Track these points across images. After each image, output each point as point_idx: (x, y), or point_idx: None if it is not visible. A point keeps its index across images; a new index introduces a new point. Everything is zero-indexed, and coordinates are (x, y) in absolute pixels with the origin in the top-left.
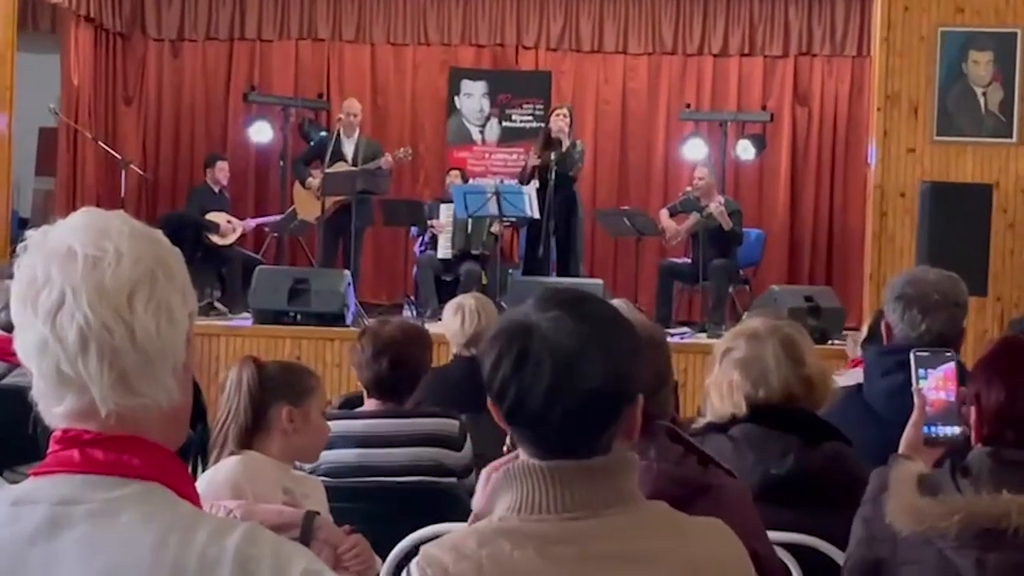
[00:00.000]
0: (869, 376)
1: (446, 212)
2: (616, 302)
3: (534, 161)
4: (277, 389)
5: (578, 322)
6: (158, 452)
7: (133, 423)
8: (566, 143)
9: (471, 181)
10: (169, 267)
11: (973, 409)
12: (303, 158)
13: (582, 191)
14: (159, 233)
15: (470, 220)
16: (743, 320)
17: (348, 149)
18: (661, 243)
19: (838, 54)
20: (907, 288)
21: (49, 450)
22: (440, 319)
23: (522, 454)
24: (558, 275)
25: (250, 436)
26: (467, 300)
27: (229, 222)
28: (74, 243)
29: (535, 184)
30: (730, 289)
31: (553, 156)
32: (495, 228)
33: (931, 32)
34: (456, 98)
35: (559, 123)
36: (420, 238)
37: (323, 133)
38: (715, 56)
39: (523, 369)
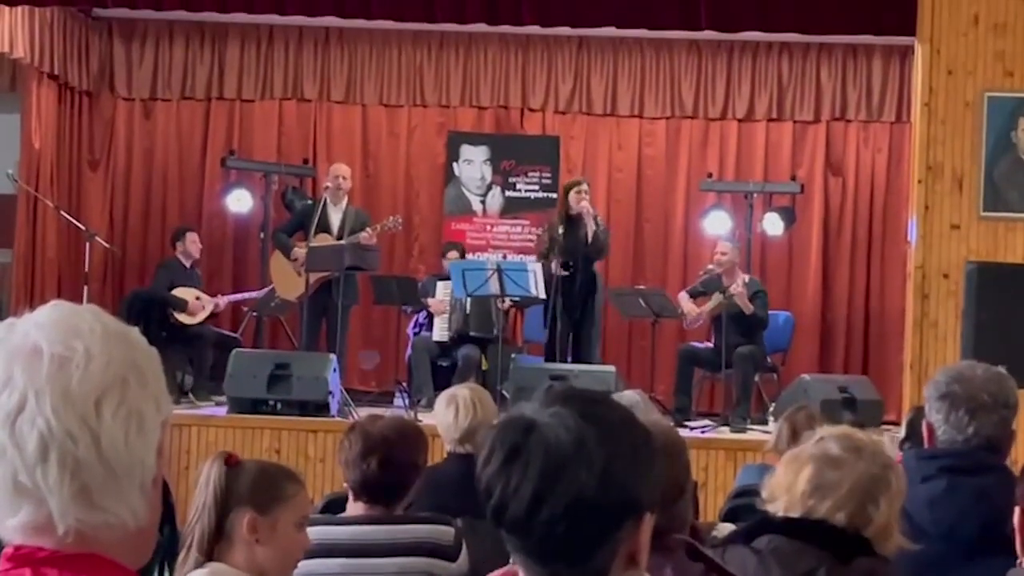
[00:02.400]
0: (908, 482)
1: (443, 290)
2: (629, 394)
3: (545, 243)
4: (243, 493)
5: (582, 421)
6: (118, 573)
7: (93, 541)
8: (591, 226)
9: (470, 256)
10: (142, 371)
11: None
12: (285, 229)
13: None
14: (134, 333)
15: (469, 299)
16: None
17: (335, 219)
18: (680, 326)
19: (875, 120)
20: (953, 386)
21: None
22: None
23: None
24: (573, 360)
25: (213, 544)
26: (461, 391)
27: (198, 299)
28: (41, 341)
29: (557, 265)
30: (756, 378)
31: (588, 243)
32: (503, 305)
33: (977, 97)
34: (455, 164)
35: (583, 203)
36: (414, 318)
37: (308, 202)
38: (740, 121)
39: (511, 466)
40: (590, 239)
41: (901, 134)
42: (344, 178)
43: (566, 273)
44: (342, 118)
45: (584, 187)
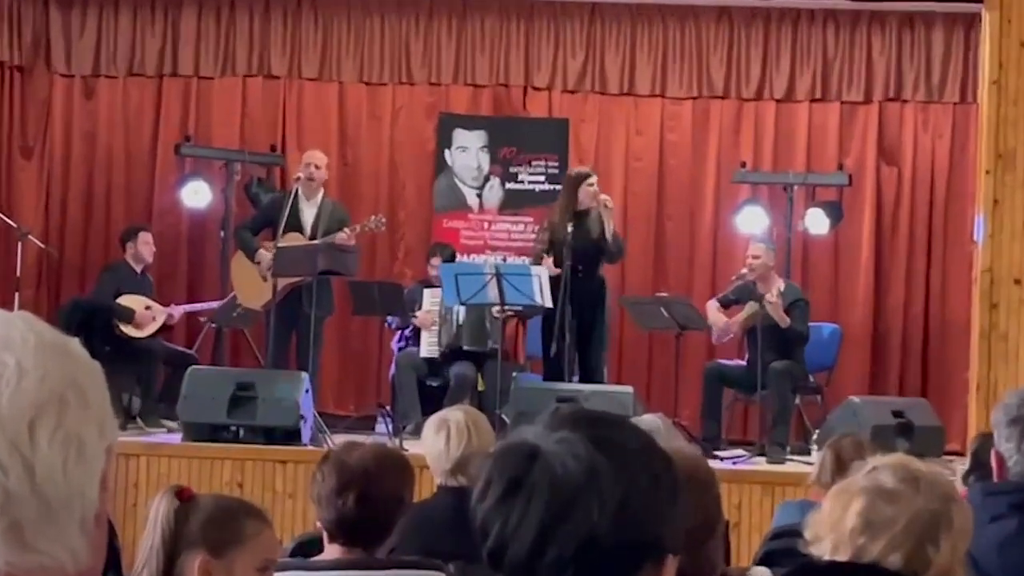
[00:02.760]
0: (974, 520)
1: (432, 298)
2: (649, 418)
3: (542, 242)
4: (195, 532)
5: (594, 449)
6: None
7: None
8: (608, 223)
9: (463, 259)
10: (83, 390)
11: None
12: (249, 226)
13: (606, 271)
14: (74, 344)
15: (462, 308)
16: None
17: (308, 215)
18: (708, 340)
19: (935, 100)
20: None
21: None
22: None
23: None
24: (580, 378)
25: None
26: (453, 415)
27: (148, 308)
28: None
29: (547, 266)
30: (796, 400)
31: (601, 242)
32: (497, 313)
33: None
34: (447, 152)
35: (596, 194)
36: (399, 332)
37: (276, 195)
38: (778, 101)
39: (511, 500)
40: (609, 237)
41: (966, 116)
42: (318, 167)
43: (561, 273)
44: (316, 98)
45: (594, 180)
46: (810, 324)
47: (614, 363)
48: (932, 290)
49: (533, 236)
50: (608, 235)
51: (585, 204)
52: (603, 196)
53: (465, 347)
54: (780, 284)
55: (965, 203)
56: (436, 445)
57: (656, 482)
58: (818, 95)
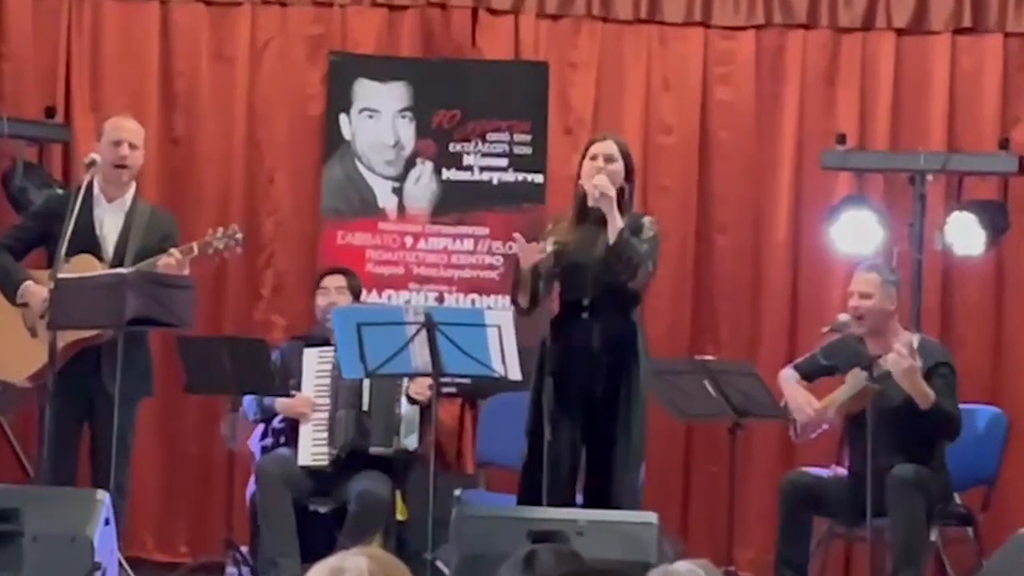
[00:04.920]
0: None
1: (319, 364)
2: (686, 570)
3: (536, 255)
4: None
5: None
6: None
7: None
8: (612, 219)
9: (372, 298)
10: None
11: None
12: (8, 243)
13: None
14: None
15: (369, 383)
16: None
17: (109, 227)
18: (785, 435)
19: None
20: None
21: None
22: None
23: None
24: (586, 500)
25: None
26: (354, 563)
27: None
28: None
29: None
30: (932, 535)
31: (595, 249)
32: (418, 390)
33: None
34: (343, 118)
35: (599, 180)
36: (263, 423)
37: (56, 192)
38: (899, 33)
39: None
40: (611, 239)
41: None
42: (134, 147)
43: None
44: (122, 26)
45: (610, 147)
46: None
47: (641, 474)
48: None
49: (492, 258)
50: (611, 236)
51: (589, 193)
52: (597, 180)
53: (374, 449)
54: (913, 339)
55: None
56: None
57: None
58: (966, 23)
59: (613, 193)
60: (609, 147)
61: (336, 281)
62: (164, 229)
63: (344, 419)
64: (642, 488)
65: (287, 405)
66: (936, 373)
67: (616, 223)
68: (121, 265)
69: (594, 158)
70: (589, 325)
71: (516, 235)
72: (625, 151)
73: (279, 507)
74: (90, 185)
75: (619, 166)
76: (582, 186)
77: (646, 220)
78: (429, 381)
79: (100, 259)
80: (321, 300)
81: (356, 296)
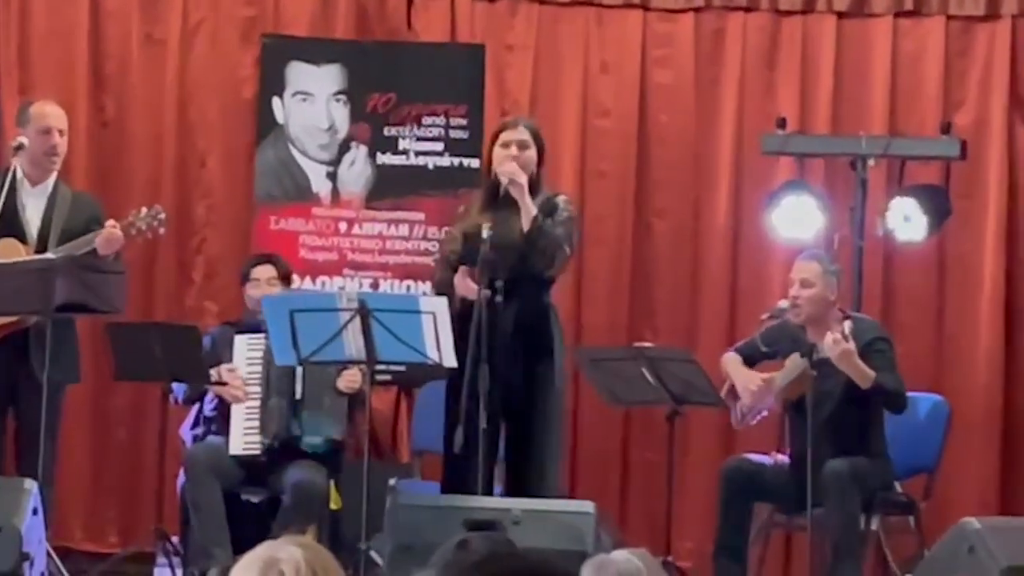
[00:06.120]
0: None
1: (249, 351)
2: (623, 559)
3: (454, 245)
4: None
5: None
6: None
7: None
8: (525, 206)
9: (305, 284)
10: None
11: None
12: None
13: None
14: None
15: (302, 370)
16: None
17: (33, 211)
18: (726, 422)
19: None
20: None
21: None
22: None
23: None
24: (505, 489)
25: None
26: (287, 554)
27: None
28: None
29: (464, 287)
30: (873, 524)
31: (526, 244)
32: (348, 382)
33: None
34: (276, 101)
35: (509, 166)
36: (195, 412)
37: None
38: (840, 16)
39: None
40: (525, 226)
41: None
42: (60, 132)
43: (499, 298)
44: (50, 6)
45: (522, 133)
46: None
47: (565, 462)
48: None
49: (428, 243)
50: (526, 223)
51: (501, 175)
52: (507, 167)
53: (307, 438)
54: (847, 324)
55: None
56: None
57: None
58: (907, 6)
59: (524, 180)
60: (521, 133)
61: (267, 272)
62: (89, 212)
63: (276, 408)
64: (558, 472)
65: (228, 388)
66: (873, 349)
67: (530, 211)
68: (45, 249)
69: (506, 145)
70: (503, 309)
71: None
72: (537, 135)
73: (208, 497)
74: (14, 171)
75: (532, 152)
76: (494, 172)
77: (560, 199)
78: (359, 373)
79: (24, 243)
80: (253, 291)
81: (287, 280)
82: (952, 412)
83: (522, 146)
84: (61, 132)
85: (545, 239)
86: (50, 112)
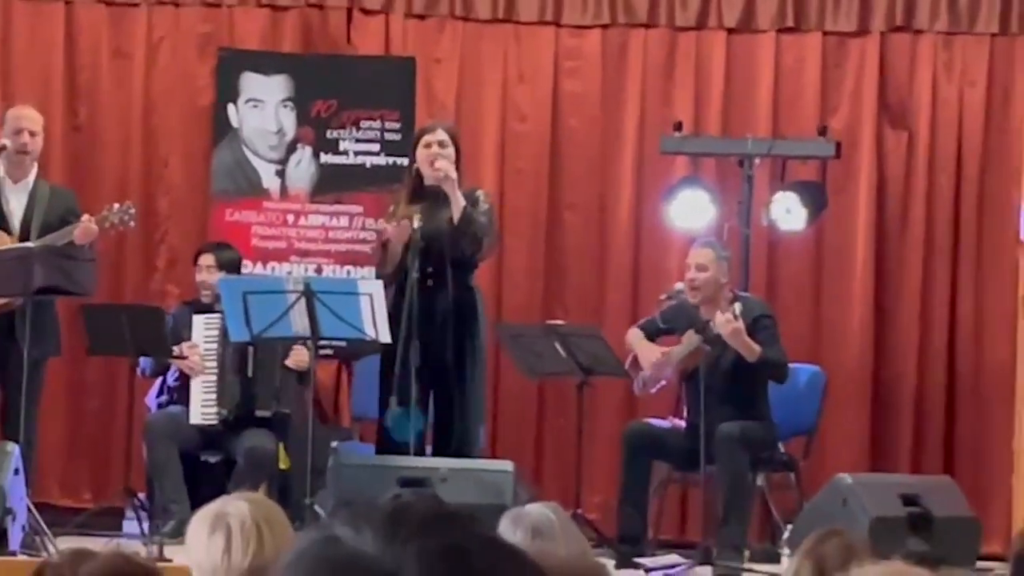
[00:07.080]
0: None
1: (207, 328)
2: (537, 511)
3: (407, 233)
4: None
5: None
6: None
7: None
8: (457, 202)
9: (256, 269)
10: None
11: None
12: None
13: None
14: None
15: (254, 348)
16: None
17: (15, 205)
18: (628, 390)
19: (963, 31)
20: None
21: None
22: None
23: None
24: (434, 449)
25: None
26: (235, 507)
27: None
28: None
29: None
30: (759, 480)
31: (453, 233)
32: (296, 361)
33: None
34: (231, 108)
35: (431, 160)
36: (160, 382)
37: None
38: (730, 32)
39: None
40: (456, 217)
41: (1008, 55)
42: (33, 134)
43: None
44: (29, 23)
45: (441, 135)
46: None
47: (488, 425)
48: (960, 316)
49: (364, 233)
50: (455, 215)
51: (426, 175)
52: (440, 164)
53: (260, 409)
54: (736, 306)
55: (1008, 184)
56: (210, 553)
57: None
58: (789, 23)
59: (455, 175)
60: (440, 135)
61: (206, 260)
62: (65, 204)
63: (232, 384)
64: (482, 434)
65: (188, 361)
66: (759, 326)
67: (460, 202)
68: (28, 239)
69: (428, 146)
70: (433, 295)
71: (385, 222)
72: (455, 136)
73: (166, 459)
74: None
75: (451, 151)
76: (417, 169)
77: (480, 193)
78: (306, 352)
79: (7, 234)
80: (197, 276)
81: (233, 267)
82: (828, 381)
83: (442, 145)
84: (32, 133)
85: (474, 226)
86: (23, 115)
